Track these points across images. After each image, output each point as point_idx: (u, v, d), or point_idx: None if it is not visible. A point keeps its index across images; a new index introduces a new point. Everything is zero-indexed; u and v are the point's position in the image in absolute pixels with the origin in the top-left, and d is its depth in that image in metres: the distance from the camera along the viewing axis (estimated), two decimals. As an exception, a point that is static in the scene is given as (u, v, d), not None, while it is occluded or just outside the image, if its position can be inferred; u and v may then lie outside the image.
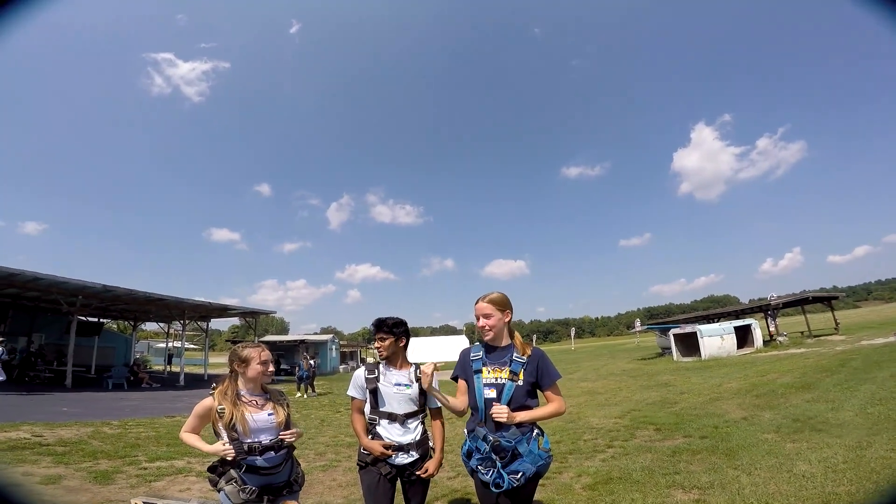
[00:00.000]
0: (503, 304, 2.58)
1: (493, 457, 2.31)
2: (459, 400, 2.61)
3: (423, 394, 2.81)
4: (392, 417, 2.73)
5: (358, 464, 2.77)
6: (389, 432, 2.72)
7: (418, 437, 2.76)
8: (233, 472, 2.36)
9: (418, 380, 2.80)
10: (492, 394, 2.43)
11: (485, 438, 2.34)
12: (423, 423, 2.84)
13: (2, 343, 15.60)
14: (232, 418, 2.38)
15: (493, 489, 2.29)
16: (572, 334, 77.17)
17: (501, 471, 2.28)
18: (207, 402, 2.47)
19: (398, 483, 2.76)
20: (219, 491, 2.38)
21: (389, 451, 2.66)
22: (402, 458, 2.70)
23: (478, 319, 2.57)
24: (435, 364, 2.70)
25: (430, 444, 2.84)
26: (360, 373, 2.88)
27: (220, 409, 2.41)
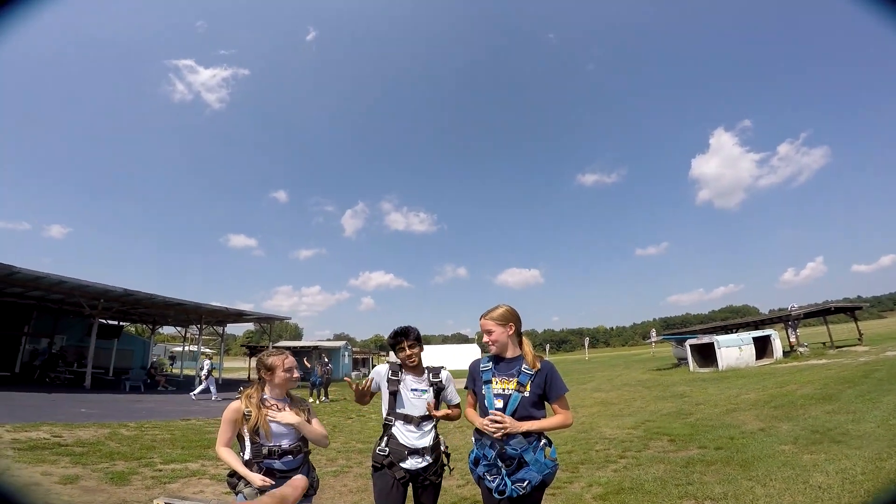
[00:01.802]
0: (505, 319, 2.61)
1: (499, 464, 2.35)
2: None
3: (438, 399, 2.90)
4: (408, 419, 2.79)
5: (372, 465, 2.80)
6: (404, 434, 2.77)
7: (431, 442, 2.81)
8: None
9: (432, 385, 2.89)
10: (500, 404, 2.48)
11: (492, 446, 2.39)
12: (436, 427, 2.89)
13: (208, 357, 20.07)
14: (257, 422, 2.48)
15: (497, 496, 2.33)
16: (586, 344, 76.24)
17: (506, 478, 2.32)
18: (235, 404, 2.56)
19: (410, 488, 2.79)
20: (237, 494, 2.44)
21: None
22: (416, 463, 2.74)
23: (483, 335, 2.67)
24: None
25: (443, 448, 2.89)
26: (384, 369, 2.93)
27: (247, 412, 2.51)
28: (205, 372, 18.31)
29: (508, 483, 2.30)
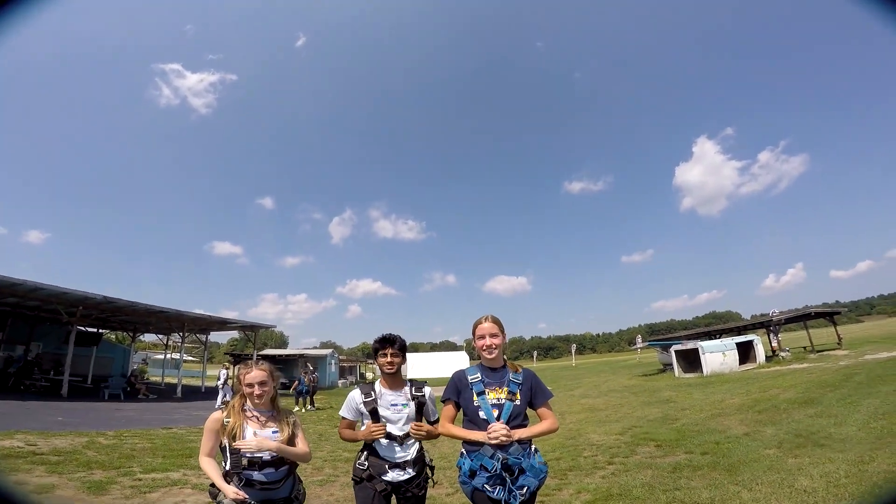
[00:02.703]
0: (501, 327, 2.69)
1: (504, 474, 2.33)
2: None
3: (420, 412, 2.84)
4: (390, 437, 2.73)
5: (353, 478, 2.74)
6: (385, 448, 2.72)
7: (415, 455, 2.76)
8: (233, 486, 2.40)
9: (414, 398, 2.82)
10: (496, 413, 2.49)
11: (492, 457, 2.37)
12: (419, 440, 2.84)
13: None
14: (234, 430, 2.46)
15: None
16: (573, 350, 76.57)
17: (512, 487, 2.32)
18: (216, 414, 2.56)
19: (393, 500, 2.74)
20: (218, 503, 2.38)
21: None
22: (399, 475, 2.69)
23: (483, 339, 2.63)
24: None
25: (427, 461, 2.84)
26: (356, 395, 2.84)
27: (227, 420, 2.51)
28: (220, 381, 18.78)
29: (516, 491, 2.31)
